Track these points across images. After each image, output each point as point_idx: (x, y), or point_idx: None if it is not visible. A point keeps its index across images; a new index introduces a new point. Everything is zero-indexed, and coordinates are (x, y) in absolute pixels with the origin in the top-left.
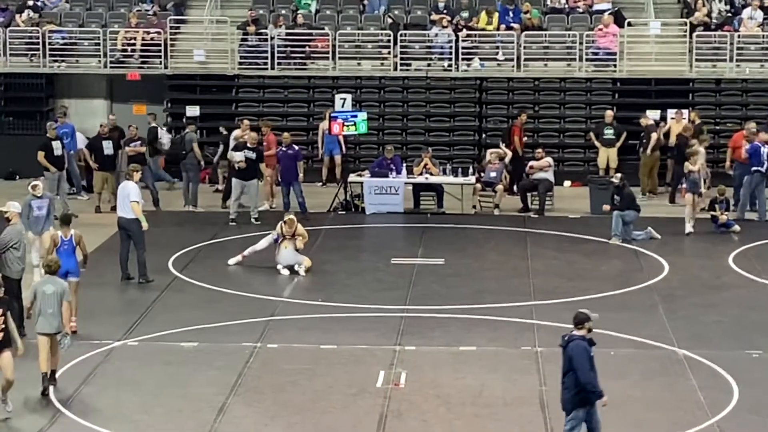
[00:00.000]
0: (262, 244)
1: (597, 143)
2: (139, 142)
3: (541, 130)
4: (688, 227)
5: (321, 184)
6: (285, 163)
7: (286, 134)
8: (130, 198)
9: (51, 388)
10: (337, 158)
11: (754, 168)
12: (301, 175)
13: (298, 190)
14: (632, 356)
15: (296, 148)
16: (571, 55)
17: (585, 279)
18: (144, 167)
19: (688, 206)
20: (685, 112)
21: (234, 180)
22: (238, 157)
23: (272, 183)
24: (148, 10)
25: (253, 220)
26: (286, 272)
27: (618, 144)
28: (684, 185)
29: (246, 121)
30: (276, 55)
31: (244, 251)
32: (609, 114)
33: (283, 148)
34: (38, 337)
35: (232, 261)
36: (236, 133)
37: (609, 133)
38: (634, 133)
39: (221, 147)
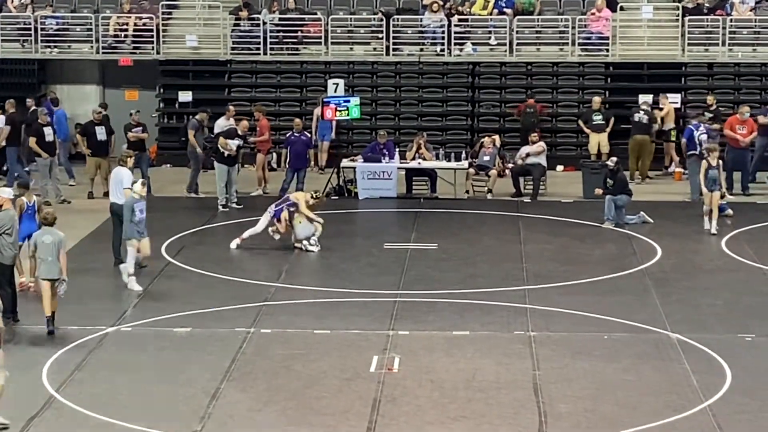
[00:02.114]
0: (260, 225)
1: (586, 129)
2: (140, 128)
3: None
4: (707, 224)
5: (319, 170)
6: (297, 148)
7: (297, 120)
8: (123, 184)
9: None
10: (325, 144)
11: (689, 152)
12: (312, 162)
13: (302, 177)
14: (625, 340)
15: (308, 135)
16: (563, 40)
17: (578, 263)
18: (144, 154)
19: (706, 205)
20: (671, 96)
21: (220, 166)
22: (233, 144)
23: (264, 168)
24: None
25: (233, 204)
26: (312, 247)
27: (608, 129)
28: (675, 168)
29: (231, 108)
30: (268, 40)
31: (243, 234)
32: (596, 100)
33: (296, 134)
34: (41, 282)
35: (233, 244)
36: (244, 123)
37: (598, 118)
38: (624, 117)
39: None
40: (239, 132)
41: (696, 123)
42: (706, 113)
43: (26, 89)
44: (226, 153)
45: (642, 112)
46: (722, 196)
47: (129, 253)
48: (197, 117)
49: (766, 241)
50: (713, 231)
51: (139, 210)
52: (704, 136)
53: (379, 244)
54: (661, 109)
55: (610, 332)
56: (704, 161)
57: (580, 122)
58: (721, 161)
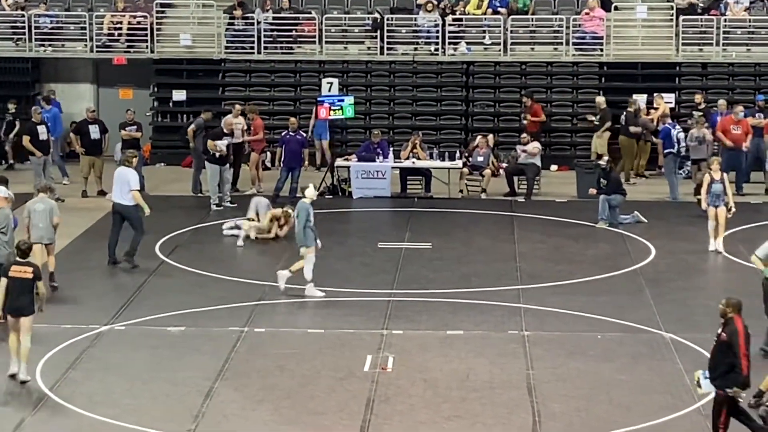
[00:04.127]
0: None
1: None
2: (134, 126)
3: None
4: (712, 245)
5: (316, 168)
6: (291, 147)
7: (292, 119)
8: (130, 186)
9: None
10: (324, 143)
11: (666, 150)
12: (306, 161)
13: (297, 176)
14: (619, 340)
15: (303, 134)
16: (557, 40)
17: (572, 263)
18: (138, 153)
19: (710, 221)
20: (666, 96)
21: (211, 166)
22: (221, 144)
23: (258, 167)
24: None
25: (227, 203)
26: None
27: (604, 128)
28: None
29: (238, 106)
30: (262, 39)
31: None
32: (600, 100)
33: (291, 133)
34: (33, 245)
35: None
36: (228, 118)
37: (595, 119)
38: (618, 117)
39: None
40: (224, 130)
41: (672, 122)
42: (694, 113)
43: (20, 88)
44: (217, 154)
45: (624, 114)
46: (729, 209)
47: (308, 260)
48: (202, 116)
49: (759, 241)
50: (719, 249)
51: (312, 214)
52: (681, 135)
53: (373, 244)
54: (656, 109)
55: (604, 332)
56: (707, 175)
57: (592, 117)
58: (726, 175)
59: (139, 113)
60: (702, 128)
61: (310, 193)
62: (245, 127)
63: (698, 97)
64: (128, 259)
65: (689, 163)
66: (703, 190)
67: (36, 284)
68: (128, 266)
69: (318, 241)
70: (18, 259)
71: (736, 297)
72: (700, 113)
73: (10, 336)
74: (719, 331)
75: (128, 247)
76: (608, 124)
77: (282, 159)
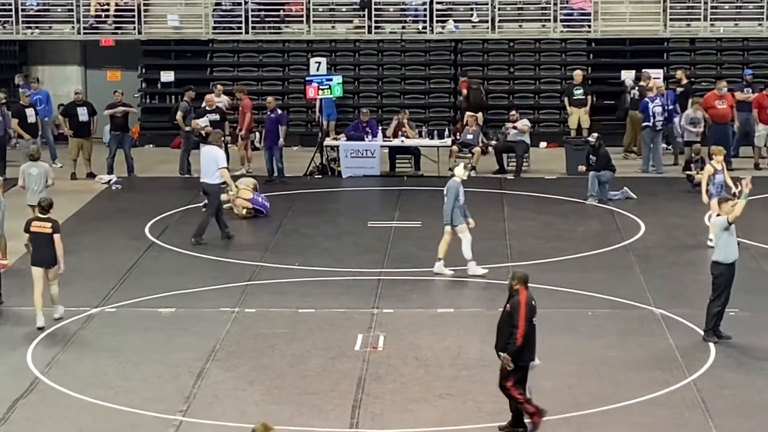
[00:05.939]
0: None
1: (570, 108)
2: (123, 108)
3: (517, 91)
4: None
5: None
6: (267, 127)
7: (270, 98)
8: (218, 164)
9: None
10: (332, 123)
11: (644, 124)
12: (281, 140)
13: (278, 155)
14: (609, 316)
15: (279, 112)
16: (545, 16)
17: (562, 240)
18: (127, 134)
19: (712, 211)
20: (653, 72)
21: (203, 146)
22: (202, 122)
23: (247, 147)
24: None
25: None
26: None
27: (588, 104)
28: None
29: (219, 86)
30: (250, 19)
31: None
32: (578, 74)
33: (269, 113)
34: (28, 207)
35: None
36: (208, 97)
37: (578, 93)
38: (606, 93)
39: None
40: (206, 107)
41: (653, 96)
42: (678, 89)
43: (7, 71)
44: (203, 133)
45: (636, 89)
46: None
47: (464, 240)
48: (186, 98)
49: (748, 216)
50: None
51: (462, 193)
52: (659, 109)
53: (362, 223)
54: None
55: (594, 308)
56: (708, 166)
57: (565, 99)
58: (725, 164)
59: (127, 95)
60: (698, 109)
61: (460, 172)
62: (227, 106)
63: (679, 73)
64: (195, 239)
65: (670, 147)
66: (704, 183)
67: (54, 238)
68: (195, 242)
69: (470, 219)
70: (38, 215)
71: (522, 270)
72: (682, 89)
73: (34, 290)
74: (505, 302)
75: (196, 227)
76: (590, 98)
77: (263, 139)
